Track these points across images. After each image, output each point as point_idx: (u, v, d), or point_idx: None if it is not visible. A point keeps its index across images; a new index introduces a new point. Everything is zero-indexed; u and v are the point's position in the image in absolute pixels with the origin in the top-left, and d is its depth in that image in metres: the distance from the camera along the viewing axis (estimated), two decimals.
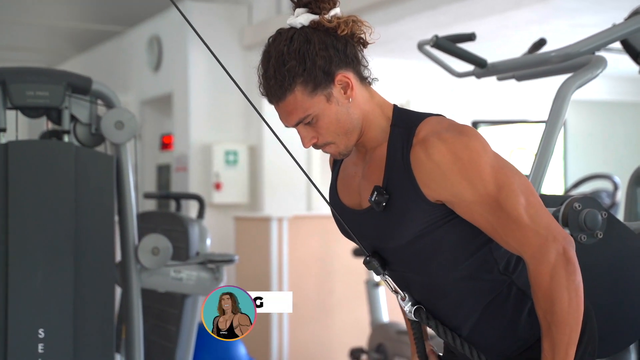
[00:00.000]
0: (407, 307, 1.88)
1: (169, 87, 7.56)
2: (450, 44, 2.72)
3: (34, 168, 2.88)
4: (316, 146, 1.85)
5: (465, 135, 1.76)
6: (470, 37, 2.95)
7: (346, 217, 1.93)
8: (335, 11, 1.80)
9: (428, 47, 2.98)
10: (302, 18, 1.79)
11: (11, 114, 3.03)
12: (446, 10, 5.47)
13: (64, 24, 9.02)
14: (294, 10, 1.81)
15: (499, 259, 1.86)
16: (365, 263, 1.88)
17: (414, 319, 1.90)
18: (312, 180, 2.02)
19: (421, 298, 1.96)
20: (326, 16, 1.79)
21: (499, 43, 6.73)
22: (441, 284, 1.89)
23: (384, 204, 1.80)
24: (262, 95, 1.83)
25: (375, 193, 1.80)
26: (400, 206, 1.80)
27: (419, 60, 7.31)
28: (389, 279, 1.88)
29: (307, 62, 1.75)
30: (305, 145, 1.84)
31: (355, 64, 1.82)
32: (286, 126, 1.84)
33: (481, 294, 1.87)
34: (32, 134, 5.09)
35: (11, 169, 2.84)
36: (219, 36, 7.18)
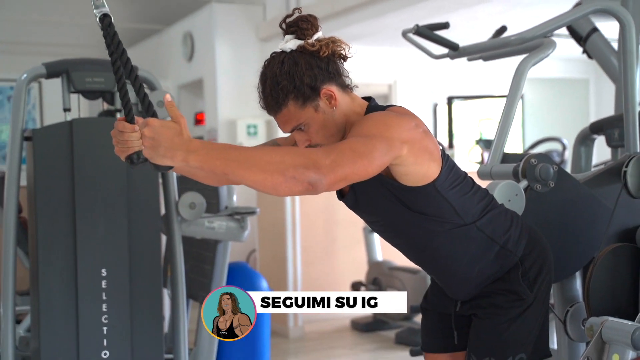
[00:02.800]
0: (97, 10, 1.65)
1: (200, 74, 7.53)
2: (429, 31, 2.71)
3: (93, 140, 2.89)
4: (310, 146, 1.83)
5: (395, 114, 1.75)
6: (445, 25, 2.94)
7: (345, 200, 1.93)
8: (318, 35, 1.79)
9: (411, 35, 2.97)
10: (291, 44, 1.78)
11: (74, 97, 3.04)
12: (424, 5, 5.44)
13: (114, 23, 8.97)
14: (284, 36, 1.80)
15: (467, 216, 1.84)
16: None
17: (100, 24, 1.65)
18: None
19: (407, 253, 1.98)
20: (309, 41, 1.77)
21: (468, 30, 6.69)
22: (418, 239, 1.90)
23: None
24: (262, 108, 1.82)
25: None
26: (365, 184, 1.80)
27: (403, 47, 7.29)
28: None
29: (296, 81, 1.74)
30: (300, 147, 1.83)
31: (337, 77, 1.81)
32: (283, 132, 1.84)
33: (453, 244, 1.87)
34: (91, 112, 5.09)
35: (75, 141, 2.84)
36: (239, 31, 7.14)
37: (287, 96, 1.75)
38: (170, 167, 1.60)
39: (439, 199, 1.81)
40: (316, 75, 1.76)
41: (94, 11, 1.66)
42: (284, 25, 1.81)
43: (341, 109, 1.81)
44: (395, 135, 1.68)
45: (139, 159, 1.63)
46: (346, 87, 1.83)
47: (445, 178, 1.80)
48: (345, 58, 1.83)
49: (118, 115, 3.05)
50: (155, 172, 1.54)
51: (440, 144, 1.93)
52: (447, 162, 1.83)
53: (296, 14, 1.80)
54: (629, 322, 1.96)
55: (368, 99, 1.89)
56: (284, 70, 1.75)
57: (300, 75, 1.74)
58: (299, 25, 1.78)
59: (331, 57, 1.79)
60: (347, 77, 1.84)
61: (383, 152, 1.65)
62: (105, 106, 3.29)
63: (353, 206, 1.92)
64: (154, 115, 1.62)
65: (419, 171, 1.76)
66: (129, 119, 1.63)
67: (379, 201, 1.83)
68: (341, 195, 1.93)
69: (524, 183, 2.19)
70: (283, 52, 1.79)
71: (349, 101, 1.83)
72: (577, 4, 3.88)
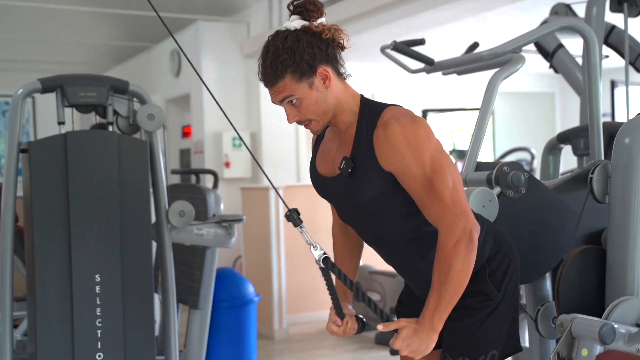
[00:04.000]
0: (317, 254, 1.81)
1: (187, 89, 7.52)
2: (406, 47, 2.73)
3: (87, 152, 2.88)
4: (299, 122, 1.86)
5: (416, 124, 1.77)
6: (421, 41, 2.96)
7: (320, 182, 1.95)
8: (322, 19, 1.82)
9: (388, 50, 2.98)
10: (296, 23, 1.80)
11: (68, 111, 3.03)
12: (400, 23, 5.47)
13: (105, 42, 8.96)
14: (290, 16, 1.82)
15: None
16: (286, 216, 1.82)
17: (322, 265, 1.82)
18: (260, 165, 2.03)
19: (378, 249, 1.99)
20: (314, 23, 1.80)
21: (443, 47, 6.74)
22: (394, 237, 1.90)
23: (349, 170, 1.82)
24: (260, 79, 1.84)
25: (344, 162, 1.83)
26: (362, 172, 1.81)
27: (381, 63, 7.33)
28: (305, 231, 1.82)
29: (296, 56, 1.76)
30: (289, 121, 1.86)
31: (334, 62, 1.83)
32: (273, 102, 1.85)
33: (426, 244, 1.88)
34: (83, 125, 5.07)
35: (69, 153, 2.83)
36: (224, 48, 7.15)
37: (285, 69, 1.76)
38: None
39: None
40: (315, 54, 1.77)
41: (315, 253, 1.83)
42: (291, 7, 1.82)
43: (333, 92, 1.82)
44: (435, 140, 1.78)
45: (364, 328, 2.01)
46: (341, 74, 1.85)
47: None
48: (343, 47, 1.85)
49: (110, 128, 3.04)
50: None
51: None
52: None
53: None
54: (597, 319, 1.98)
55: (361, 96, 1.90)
56: (286, 45, 1.77)
57: (301, 51, 1.76)
58: (306, 6, 1.80)
59: (331, 42, 1.81)
60: (343, 65, 1.86)
61: (449, 162, 1.78)
62: (98, 119, 3.28)
63: (335, 192, 1.91)
64: (387, 319, 1.85)
65: None
66: (338, 312, 1.96)
67: (366, 190, 1.83)
68: (317, 173, 1.95)
69: (497, 190, 2.21)
70: (287, 29, 1.80)
71: (342, 87, 1.85)
72: (544, 22, 3.93)
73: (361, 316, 2.01)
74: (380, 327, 1.82)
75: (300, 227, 1.82)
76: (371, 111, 1.84)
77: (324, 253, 1.81)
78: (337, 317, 1.97)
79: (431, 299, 1.75)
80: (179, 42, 8.26)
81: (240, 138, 2.07)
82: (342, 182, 1.86)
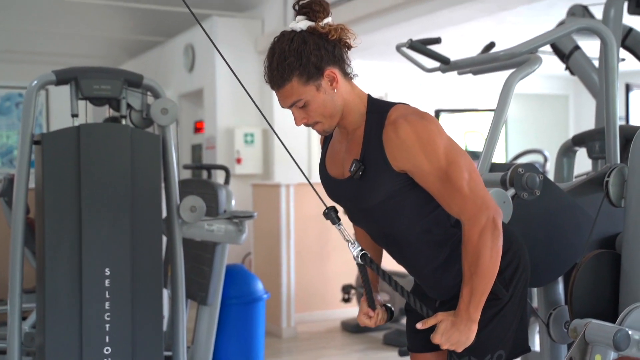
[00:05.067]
0: (355, 252, 1.83)
1: (201, 84, 7.52)
2: (422, 46, 2.71)
3: (99, 145, 2.87)
4: (307, 125, 1.85)
5: (425, 120, 1.76)
6: (437, 40, 2.94)
7: (331, 185, 1.93)
8: (328, 19, 1.80)
9: (404, 49, 2.96)
10: (302, 24, 1.78)
11: (81, 103, 3.02)
12: (416, 21, 5.44)
13: (120, 35, 8.98)
14: (295, 17, 1.81)
15: (450, 216, 1.85)
16: (324, 214, 1.84)
17: (360, 262, 1.84)
18: (295, 161, 2.03)
19: (389, 249, 1.97)
20: (320, 23, 1.78)
21: (458, 46, 6.70)
22: (404, 238, 1.88)
23: (360, 173, 1.81)
24: (266, 82, 1.82)
25: (354, 164, 1.81)
26: (373, 175, 1.80)
27: (394, 62, 7.30)
28: (343, 228, 1.84)
29: (303, 58, 1.74)
30: (297, 123, 1.85)
31: (341, 63, 1.81)
32: (282, 107, 1.83)
33: (436, 245, 1.87)
34: (96, 118, 5.07)
35: (82, 146, 2.83)
36: (238, 43, 7.13)
37: (292, 72, 1.75)
38: None
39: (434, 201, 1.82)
40: (322, 56, 1.76)
41: (353, 250, 1.85)
42: (296, 7, 1.81)
43: (341, 93, 1.81)
44: (445, 134, 1.78)
45: (392, 316, 2.05)
46: (347, 75, 1.83)
47: None
48: (350, 47, 1.83)
49: (123, 121, 3.03)
50: None
51: None
52: None
53: None
54: (611, 324, 1.96)
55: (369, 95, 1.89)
56: (293, 47, 1.75)
57: (308, 53, 1.74)
58: (312, 7, 1.78)
59: (338, 42, 1.79)
60: (350, 65, 1.84)
61: (462, 152, 1.77)
62: (111, 112, 3.28)
63: (345, 194, 1.90)
64: (427, 314, 1.87)
65: None
66: (370, 304, 1.99)
67: (376, 191, 1.81)
68: (328, 175, 1.93)
69: (511, 191, 2.19)
70: (293, 30, 1.79)
71: (349, 88, 1.83)
72: (561, 23, 3.90)
73: (389, 305, 2.05)
74: (419, 325, 1.85)
75: (339, 225, 1.83)
76: (378, 111, 1.82)
77: (362, 250, 1.83)
78: (369, 308, 1.99)
79: (464, 291, 1.77)
80: (193, 36, 8.28)
81: (277, 136, 2.05)
82: (352, 185, 1.85)
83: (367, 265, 1.85)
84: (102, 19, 8.51)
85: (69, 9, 7.93)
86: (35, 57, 9.14)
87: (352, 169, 1.81)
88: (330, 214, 1.82)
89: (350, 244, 1.82)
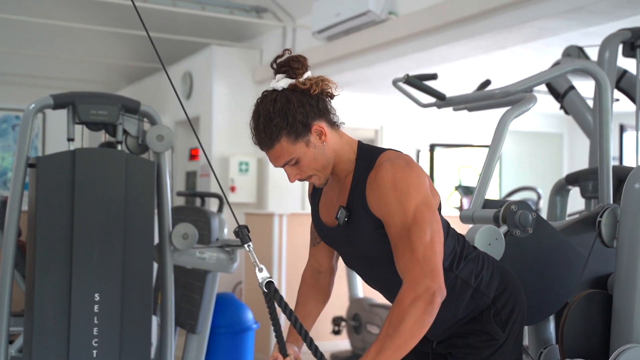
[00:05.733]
0: (261, 277, 1.71)
1: (197, 112, 7.54)
2: (418, 81, 2.72)
3: (94, 170, 2.87)
4: (301, 180, 1.83)
5: (409, 168, 1.74)
6: (434, 76, 2.96)
7: (324, 232, 1.92)
8: (308, 74, 1.79)
9: (400, 84, 2.98)
10: (282, 82, 1.77)
11: (78, 128, 3.03)
12: (412, 57, 5.49)
13: (119, 61, 9.01)
14: (275, 75, 1.79)
15: (444, 260, 1.81)
16: (235, 232, 1.75)
17: (264, 289, 1.71)
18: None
19: (385, 294, 1.95)
20: (300, 79, 1.76)
21: (453, 82, 6.76)
22: (394, 282, 1.82)
23: (345, 219, 1.80)
24: (255, 144, 1.80)
25: (340, 211, 1.82)
26: (357, 221, 1.80)
27: (390, 95, 7.35)
28: (252, 250, 1.75)
29: (289, 118, 1.73)
30: (291, 180, 1.83)
31: (327, 115, 1.80)
32: (275, 166, 1.82)
33: None
34: (92, 143, 5.07)
35: (77, 170, 2.83)
36: (236, 73, 7.18)
37: (280, 132, 1.74)
38: None
39: None
40: (307, 112, 1.75)
41: (259, 275, 1.72)
42: (275, 65, 1.80)
43: (330, 144, 1.80)
44: (425, 191, 1.72)
45: None
46: (334, 124, 1.83)
47: None
48: (332, 96, 1.82)
49: (118, 147, 3.03)
50: None
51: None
52: (440, 212, 1.82)
53: (287, 55, 1.79)
54: None
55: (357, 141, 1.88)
56: (277, 107, 1.74)
57: (293, 112, 1.74)
58: (290, 65, 1.77)
59: (320, 95, 1.79)
60: (335, 114, 1.84)
61: (433, 217, 1.70)
62: (107, 137, 3.28)
63: (335, 238, 1.89)
64: (316, 352, 1.74)
65: None
66: (281, 349, 1.82)
67: (366, 241, 1.81)
68: (321, 223, 1.91)
69: (504, 228, 2.19)
70: (275, 90, 1.78)
71: (337, 137, 1.83)
72: (556, 63, 3.94)
73: None
74: None
75: (248, 246, 1.76)
76: (368, 157, 1.82)
77: (269, 277, 1.72)
78: (279, 354, 1.84)
79: (372, 348, 1.65)
80: (191, 64, 8.30)
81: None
82: (341, 232, 1.85)
83: (271, 295, 1.72)
84: (102, 44, 8.57)
85: (69, 33, 7.98)
86: (33, 80, 9.17)
87: (337, 216, 1.82)
88: (242, 232, 1.74)
89: (257, 268, 1.72)
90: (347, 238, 1.84)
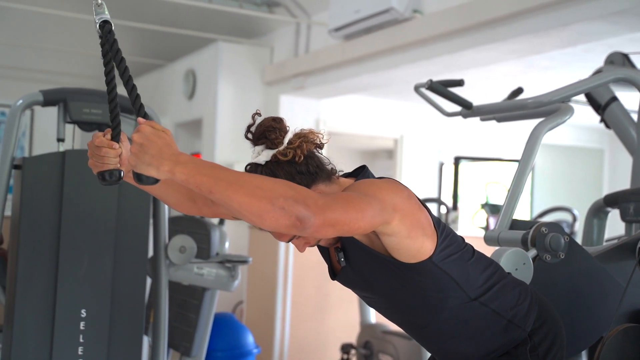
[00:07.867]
0: (98, 16, 1.66)
1: (200, 113, 7.58)
2: (443, 88, 2.73)
3: (85, 174, 2.88)
4: (311, 246, 1.84)
5: (384, 179, 1.79)
6: (460, 82, 2.97)
7: (342, 281, 1.94)
8: (288, 136, 1.76)
9: (423, 90, 2.99)
10: (263, 156, 1.75)
11: (69, 127, 3.05)
12: (438, 61, 5.48)
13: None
14: (253, 148, 1.78)
15: (469, 290, 1.83)
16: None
17: (99, 31, 1.67)
18: None
19: (408, 330, 1.98)
20: (281, 148, 1.74)
21: (482, 90, 6.76)
22: (418, 319, 1.89)
23: (342, 259, 1.83)
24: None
25: (338, 255, 1.84)
26: (353, 258, 1.83)
27: (412, 102, 7.36)
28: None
29: None
30: (301, 251, 1.84)
31: (320, 173, 1.79)
32: (280, 241, 1.84)
33: (455, 320, 1.85)
34: (84, 144, 5.11)
35: (67, 173, 2.85)
36: (244, 72, 7.21)
37: None
38: (154, 181, 1.55)
39: (439, 273, 1.79)
40: (299, 182, 1.73)
41: (94, 17, 1.67)
42: (250, 136, 1.78)
43: None
44: (388, 199, 1.69)
45: (111, 177, 1.74)
46: (331, 176, 1.82)
47: (442, 250, 1.80)
48: (321, 146, 1.81)
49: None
50: (138, 184, 1.53)
51: (445, 204, 1.92)
52: (443, 232, 1.82)
53: (257, 120, 1.77)
54: None
55: (361, 168, 1.89)
56: None
57: None
58: (267, 136, 1.75)
59: (307, 157, 1.76)
60: (329, 163, 1.82)
61: (376, 211, 1.65)
62: None
63: (347, 283, 1.93)
64: (145, 116, 1.61)
65: (413, 246, 1.75)
66: (114, 135, 1.74)
67: (376, 278, 1.83)
68: (333, 274, 1.94)
69: (532, 252, 2.19)
70: (258, 165, 1.75)
71: (336, 188, 1.81)
72: (597, 71, 3.93)
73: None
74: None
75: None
76: None
77: (107, 16, 1.67)
78: (109, 138, 1.76)
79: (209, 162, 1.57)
80: (195, 61, 8.36)
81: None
82: (348, 274, 1.88)
83: (104, 36, 1.66)
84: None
85: (60, 23, 8.03)
86: (21, 73, 9.23)
87: (338, 260, 1.85)
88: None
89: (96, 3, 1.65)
90: (356, 278, 1.88)
